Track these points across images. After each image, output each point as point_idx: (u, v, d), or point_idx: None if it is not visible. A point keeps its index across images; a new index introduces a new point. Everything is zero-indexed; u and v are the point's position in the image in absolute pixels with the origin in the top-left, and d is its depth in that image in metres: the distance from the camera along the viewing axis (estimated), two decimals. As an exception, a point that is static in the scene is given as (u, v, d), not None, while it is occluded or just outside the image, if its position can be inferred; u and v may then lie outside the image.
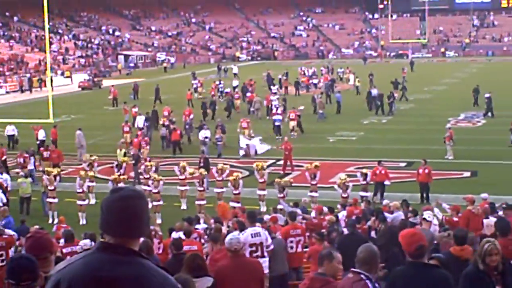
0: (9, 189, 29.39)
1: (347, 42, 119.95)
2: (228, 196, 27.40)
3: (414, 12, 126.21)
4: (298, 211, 20.20)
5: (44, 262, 4.92)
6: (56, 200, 27.83)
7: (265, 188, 28.34)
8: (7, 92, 77.12)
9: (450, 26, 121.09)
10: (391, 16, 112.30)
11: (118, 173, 30.89)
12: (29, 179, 29.59)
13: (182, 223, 17.44)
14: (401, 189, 28.98)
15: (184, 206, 28.61)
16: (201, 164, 31.27)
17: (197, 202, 27.36)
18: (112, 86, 64.38)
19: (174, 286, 3.74)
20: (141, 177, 30.89)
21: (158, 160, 32.54)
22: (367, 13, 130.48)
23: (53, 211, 27.61)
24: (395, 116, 50.30)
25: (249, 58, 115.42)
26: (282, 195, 26.28)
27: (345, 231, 16.74)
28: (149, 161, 31.32)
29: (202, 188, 27.83)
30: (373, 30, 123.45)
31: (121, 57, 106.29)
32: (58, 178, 28.98)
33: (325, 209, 20.88)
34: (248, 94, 55.86)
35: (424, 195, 28.16)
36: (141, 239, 4.03)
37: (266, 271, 12.52)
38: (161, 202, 27.44)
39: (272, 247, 13.80)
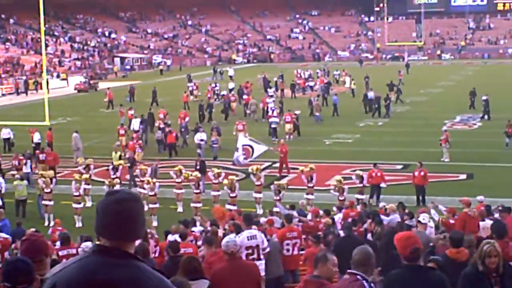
0: (3, 191, 29.37)
1: (343, 45, 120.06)
2: (225, 199, 27.38)
3: (410, 15, 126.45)
4: (294, 213, 20.18)
5: (40, 265, 4.90)
6: (52, 203, 27.77)
7: (261, 191, 28.32)
8: (3, 95, 76.96)
9: (446, 28, 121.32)
10: (387, 19, 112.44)
11: (114, 176, 30.90)
12: (25, 182, 29.55)
13: (178, 226, 17.42)
14: (397, 192, 29.02)
15: (180, 209, 28.58)
16: (198, 167, 31.24)
17: (193, 205, 27.33)
18: (108, 88, 64.32)
19: (170, 289, 3.74)
20: (136, 179, 30.85)
21: (157, 162, 32.47)
22: (363, 16, 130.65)
23: (49, 214, 27.57)
24: (391, 118, 50.35)
25: (245, 60, 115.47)
26: (278, 197, 26.27)
27: (341, 233, 16.74)
28: (144, 164, 31.33)
29: (198, 191, 27.79)
30: (369, 33, 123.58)
31: (117, 60, 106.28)
32: (54, 180, 28.94)
33: (321, 211, 20.87)
34: (245, 97, 55.83)
35: (420, 197, 28.19)
36: (137, 242, 4.02)
37: (263, 273, 12.51)
38: (157, 205, 27.41)
39: (268, 249, 13.79)
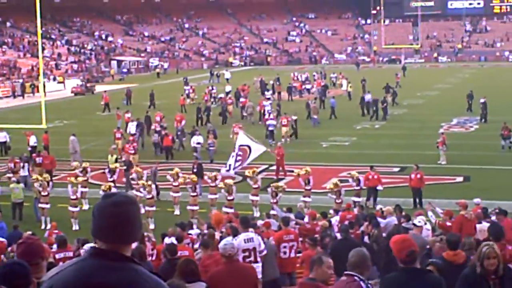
0: (-1, 194, 29.45)
1: (340, 48, 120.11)
2: (222, 202, 27.35)
3: (406, 18, 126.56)
4: (291, 216, 20.18)
5: (36, 268, 4.90)
6: (48, 206, 27.78)
7: (258, 194, 28.31)
8: (0, 98, 76.92)
9: (442, 31, 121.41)
10: (384, 22, 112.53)
11: (112, 179, 30.91)
12: (21, 185, 29.53)
13: (175, 229, 17.42)
14: (394, 194, 29.03)
15: (177, 212, 28.58)
16: (195, 170, 31.23)
17: (189, 208, 27.32)
18: (105, 91, 64.28)
19: (166, 292, 3.74)
20: (133, 182, 30.81)
21: (156, 165, 32.42)
22: (360, 19, 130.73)
23: (45, 217, 27.56)
24: (388, 121, 50.39)
25: (242, 63, 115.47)
26: (275, 200, 26.26)
27: (338, 236, 16.74)
28: (141, 167, 31.29)
29: (195, 194, 27.77)
30: (366, 36, 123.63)
31: (114, 63, 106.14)
32: (50, 184, 28.93)
33: (318, 214, 20.87)
34: (242, 100, 55.85)
35: (417, 200, 28.21)
36: (134, 245, 4.01)
37: (260, 276, 12.51)
38: (154, 208, 27.40)
39: (265, 252, 13.79)
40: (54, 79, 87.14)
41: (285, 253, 15.60)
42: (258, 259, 13.43)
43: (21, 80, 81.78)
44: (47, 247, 15.84)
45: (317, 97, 58.88)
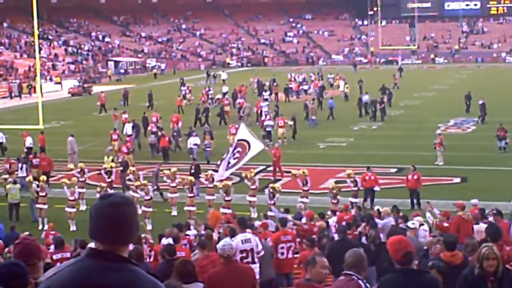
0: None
1: (337, 49, 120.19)
2: (219, 203, 27.33)
3: (403, 19, 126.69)
4: (289, 217, 20.17)
5: (33, 268, 4.89)
6: (46, 207, 27.74)
7: (255, 195, 28.30)
8: (-3, 99, 76.95)
9: (439, 32, 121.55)
10: (381, 23, 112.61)
11: (110, 180, 30.90)
12: (18, 185, 29.49)
13: (172, 229, 17.41)
14: (391, 195, 29.04)
15: (174, 212, 28.57)
16: (192, 171, 31.21)
17: (187, 208, 27.30)
18: (102, 92, 64.24)
19: (164, 293, 3.73)
20: (130, 183, 30.79)
21: (158, 166, 32.34)
22: (357, 20, 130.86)
23: (43, 218, 27.53)
24: (385, 122, 50.42)
25: (239, 64, 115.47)
26: (273, 201, 26.24)
27: (336, 237, 16.74)
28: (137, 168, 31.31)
29: (192, 195, 27.74)
30: (363, 37, 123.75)
31: (111, 63, 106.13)
32: (46, 185, 28.92)
33: (316, 215, 20.85)
34: (239, 101, 55.80)
35: (415, 201, 28.21)
36: (131, 246, 4.01)
37: (257, 277, 12.50)
38: (151, 209, 27.37)
39: (263, 253, 13.78)
40: (50, 79, 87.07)
41: (282, 253, 15.59)
42: (256, 260, 13.42)
43: (18, 81, 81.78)
44: (44, 248, 15.82)
45: (314, 97, 58.87)
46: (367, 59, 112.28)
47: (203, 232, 17.45)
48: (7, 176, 32.05)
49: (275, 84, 68.76)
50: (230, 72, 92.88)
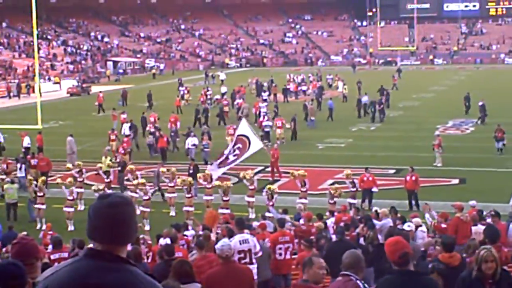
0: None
1: (336, 49, 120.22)
2: (217, 203, 27.32)
3: (402, 20, 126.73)
4: (287, 218, 20.18)
5: (31, 268, 4.88)
6: (44, 207, 27.71)
7: (254, 195, 28.30)
8: (-5, 98, 76.90)
9: (438, 33, 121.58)
10: (380, 24, 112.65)
11: (108, 180, 30.89)
12: (16, 185, 29.47)
13: (170, 230, 17.41)
14: (389, 196, 29.04)
15: (172, 213, 28.56)
16: (191, 171, 31.20)
17: (185, 209, 27.30)
18: (100, 92, 64.22)
19: (161, 293, 3.73)
20: (128, 183, 30.77)
21: (159, 166, 32.28)
22: (356, 20, 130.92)
23: (41, 218, 27.50)
24: (383, 123, 50.43)
25: (238, 65, 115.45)
26: (271, 202, 26.23)
27: (334, 238, 16.74)
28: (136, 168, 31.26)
29: (190, 195, 27.73)
30: (362, 38, 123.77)
31: (110, 63, 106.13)
32: (44, 186, 28.91)
33: (314, 216, 20.86)
34: (239, 101, 55.72)
35: (413, 202, 28.22)
36: (129, 246, 4.01)
37: (255, 277, 12.50)
38: (149, 209, 27.35)
39: (260, 253, 13.77)
40: (48, 78, 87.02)
41: (280, 254, 15.58)
42: (254, 260, 13.42)
43: (16, 81, 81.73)
44: (42, 248, 15.83)
45: (313, 98, 58.87)
46: (366, 60, 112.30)
47: (201, 232, 17.45)
48: (4, 176, 32.01)
49: (273, 84, 68.75)
50: (229, 73, 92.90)
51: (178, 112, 53.51)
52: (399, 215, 20.10)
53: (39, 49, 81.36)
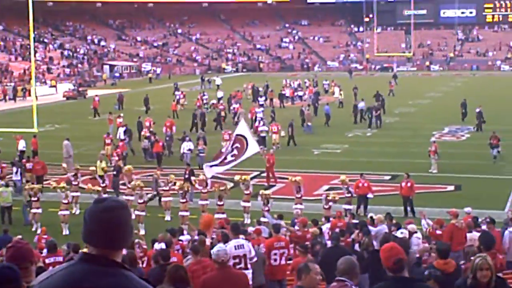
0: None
1: (332, 55, 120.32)
2: (213, 208, 27.28)
3: (399, 26, 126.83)
4: (282, 223, 20.17)
5: (25, 272, 4.87)
6: (40, 211, 27.60)
7: (249, 200, 28.28)
8: (-9, 101, 76.73)
9: (435, 40, 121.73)
10: (376, 29, 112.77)
11: (104, 184, 30.84)
12: (10, 188, 29.40)
13: (165, 234, 17.40)
14: (385, 202, 29.04)
15: (168, 217, 28.52)
16: (186, 176, 31.18)
17: (180, 214, 27.27)
18: (96, 96, 64.14)
19: (156, 298, 3.73)
20: (124, 187, 30.72)
21: (157, 171, 32.21)
22: (352, 26, 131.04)
23: (37, 222, 27.43)
24: (379, 129, 50.44)
25: (234, 69, 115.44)
26: (267, 208, 26.20)
27: (329, 243, 16.74)
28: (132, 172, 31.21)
29: (184, 200, 27.69)
30: (359, 43, 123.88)
31: (106, 67, 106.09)
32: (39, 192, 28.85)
33: (309, 221, 20.86)
34: (236, 106, 55.65)
35: (408, 208, 28.22)
36: (124, 250, 4.00)
37: (250, 283, 12.50)
38: (144, 213, 27.33)
39: (255, 259, 13.76)
40: (44, 81, 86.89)
41: (275, 260, 15.57)
42: (249, 266, 13.41)
43: (12, 84, 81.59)
44: (36, 252, 15.80)
45: (310, 103, 58.89)
46: (362, 65, 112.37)
47: (196, 237, 17.43)
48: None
49: (270, 90, 68.76)
50: (225, 78, 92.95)
51: (174, 117, 53.49)
52: (394, 221, 20.11)
53: (35, 52, 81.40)
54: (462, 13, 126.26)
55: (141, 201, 27.47)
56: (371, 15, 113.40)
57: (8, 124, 48.49)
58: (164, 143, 40.38)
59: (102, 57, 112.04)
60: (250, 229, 19.78)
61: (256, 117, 49.15)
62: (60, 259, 15.68)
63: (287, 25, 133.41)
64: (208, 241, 15.80)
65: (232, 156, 28.51)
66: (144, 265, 15.88)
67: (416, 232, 18.27)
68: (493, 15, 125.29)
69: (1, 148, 41.86)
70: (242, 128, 29.63)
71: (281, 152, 40.62)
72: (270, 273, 15.27)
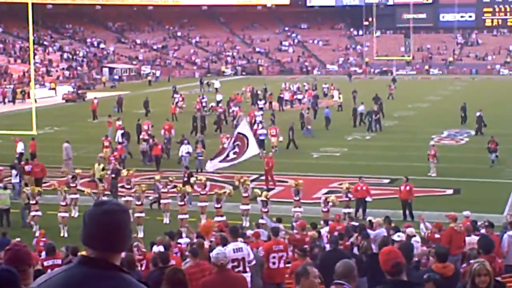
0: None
1: (332, 58, 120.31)
2: (212, 210, 27.27)
3: (398, 29, 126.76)
4: (281, 226, 20.16)
5: (23, 275, 4.87)
6: (39, 213, 27.57)
7: (248, 203, 28.26)
8: (-10, 104, 76.71)
9: (434, 43, 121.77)
10: (376, 33, 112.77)
11: (103, 187, 30.83)
12: (8, 191, 29.37)
13: (164, 237, 17.40)
14: (384, 206, 29.05)
15: (166, 220, 28.51)
16: (185, 179, 31.17)
17: (179, 216, 27.24)
18: (95, 98, 64.13)
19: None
20: (123, 189, 30.71)
21: (157, 174, 32.19)
22: (352, 30, 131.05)
23: (36, 224, 27.39)
24: (379, 132, 50.44)
25: (234, 72, 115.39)
26: (265, 210, 26.19)
27: (328, 247, 16.73)
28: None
29: (182, 203, 27.67)
30: (358, 47, 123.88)
31: (105, 70, 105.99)
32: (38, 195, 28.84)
33: (308, 225, 20.84)
34: (235, 109, 55.62)
35: (407, 212, 28.22)
36: (123, 253, 4.01)
37: (249, 286, 12.50)
38: (143, 214, 27.30)
39: (254, 262, 13.75)
40: (43, 84, 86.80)
41: (274, 263, 15.56)
42: (247, 269, 13.40)
43: (12, 86, 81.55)
44: (35, 254, 15.79)
45: (309, 107, 58.89)
46: (361, 69, 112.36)
47: (195, 240, 17.43)
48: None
49: (269, 93, 68.75)
50: (224, 81, 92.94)
51: (173, 120, 53.49)
52: (393, 224, 20.09)
53: (34, 54, 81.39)
54: (462, 17, 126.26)
55: (139, 203, 27.45)
56: (370, 19, 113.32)
57: (7, 127, 48.43)
58: (163, 146, 40.38)
59: (102, 59, 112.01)
60: (249, 232, 19.77)
61: (255, 120, 49.15)
62: (59, 261, 15.67)
63: (286, 28, 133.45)
64: (206, 244, 15.81)
65: (234, 153, 28.56)
66: (143, 268, 15.86)
67: (414, 236, 18.26)
68: (492, 19, 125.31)
69: (0, 150, 41.85)
70: (244, 127, 29.68)
71: (280, 155, 40.60)
72: (269, 277, 15.26)
